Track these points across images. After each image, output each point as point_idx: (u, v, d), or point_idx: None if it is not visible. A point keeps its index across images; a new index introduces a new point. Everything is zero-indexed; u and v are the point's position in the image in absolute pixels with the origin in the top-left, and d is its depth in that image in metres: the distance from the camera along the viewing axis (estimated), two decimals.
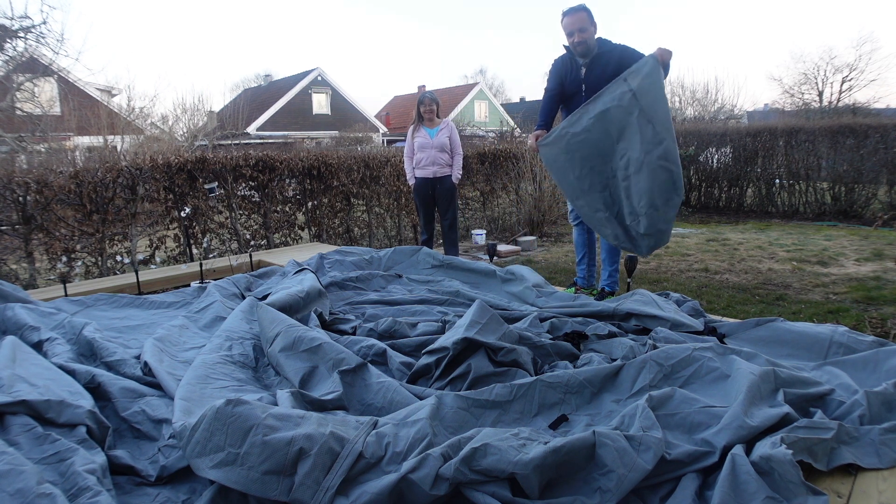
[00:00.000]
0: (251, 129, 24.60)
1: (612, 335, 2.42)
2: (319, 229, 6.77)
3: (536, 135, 3.62)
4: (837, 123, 9.75)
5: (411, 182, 5.29)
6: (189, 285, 3.59)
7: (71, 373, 2.00)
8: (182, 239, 5.60)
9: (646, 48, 3.38)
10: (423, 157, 5.14)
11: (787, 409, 1.59)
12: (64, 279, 4.58)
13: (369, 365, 2.02)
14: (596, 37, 3.60)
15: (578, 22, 3.50)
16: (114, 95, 17.08)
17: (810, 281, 5.07)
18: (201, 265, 4.33)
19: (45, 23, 10.45)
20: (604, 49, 3.56)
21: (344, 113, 28.48)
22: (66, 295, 3.38)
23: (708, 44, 68.44)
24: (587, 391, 1.86)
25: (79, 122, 13.65)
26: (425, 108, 5.14)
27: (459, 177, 5.28)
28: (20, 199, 4.65)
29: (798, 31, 62.18)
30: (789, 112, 23.91)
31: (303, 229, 6.75)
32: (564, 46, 3.69)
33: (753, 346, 2.27)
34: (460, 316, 2.48)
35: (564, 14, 3.56)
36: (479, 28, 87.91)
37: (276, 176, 6.29)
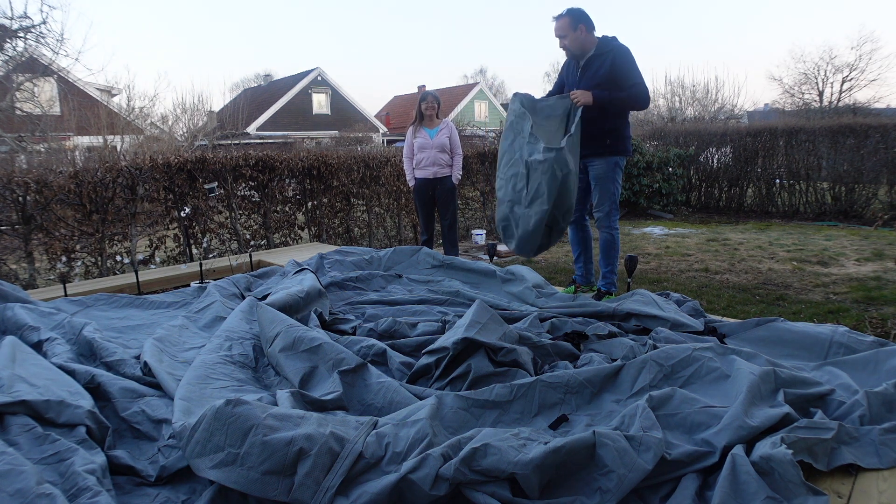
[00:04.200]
0: (251, 129, 24.60)
1: (612, 335, 2.42)
2: (319, 229, 6.77)
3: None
4: (838, 123, 9.75)
5: (411, 183, 5.28)
6: (189, 285, 3.59)
7: (71, 373, 2.00)
8: (182, 239, 5.60)
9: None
10: (423, 157, 5.13)
11: (787, 409, 1.59)
12: (64, 279, 4.58)
13: (369, 365, 2.02)
14: (599, 35, 3.58)
15: (559, 29, 3.54)
16: (113, 95, 17.08)
17: (810, 281, 5.07)
18: (201, 265, 4.33)
19: (44, 23, 10.45)
20: (601, 50, 3.52)
21: (344, 113, 28.48)
22: (66, 295, 3.38)
23: (708, 43, 68.46)
24: (587, 391, 1.86)
25: (78, 122, 13.64)
26: (427, 105, 5.11)
27: (459, 177, 5.28)
28: (20, 199, 4.65)
29: (798, 31, 62.22)
30: (789, 112, 23.90)
31: (303, 229, 6.75)
32: None
33: (754, 346, 2.27)
34: (460, 316, 2.48)
35: (552, 20, 3.60)
36: (479, 28, 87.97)
37: (275, 176, 6.29)
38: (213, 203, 5.83)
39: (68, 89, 13.31)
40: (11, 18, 10.13)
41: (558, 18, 3.55)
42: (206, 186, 5.53)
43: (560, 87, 3.78)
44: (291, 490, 1.33)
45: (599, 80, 3.44)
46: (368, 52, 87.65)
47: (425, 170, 5.15)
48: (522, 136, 3.20)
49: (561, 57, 3.94)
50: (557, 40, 3.61)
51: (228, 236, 6.03)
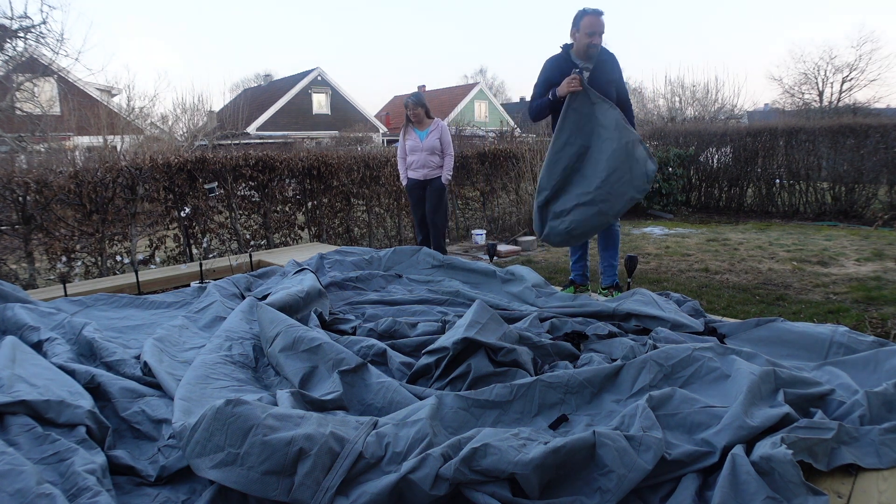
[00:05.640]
0: (251, 129, 24.59)
1: (612, 335, 2.42)
2: (319, 229, 6.77)
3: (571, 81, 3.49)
4: (838, 123, 9.74)
5: (404, 183, 5.34)
6: (189, 285, 3.58)
7: (71, 373, 2.00)
8: (182, 239, 5.60)
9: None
10: (413, 159, 5.20)
11: (787, 409, 1.59)
12: (64, 279, 4.57)
13: (369, 365, 2.01)
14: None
15: (601, 25, 3.51)
16: (113, 95, 17.08)
17: (810, 281, 5.07)
18: (201, 265, 4.33)
19: (44, 23, 10.45)
20: (603, 56, 3.61)
21: (344, 113, 28.47)
22: (66, 295, 3.38)
23: (708, 43, 68.44)
24: (587, 391, 1.86)
25: (78, 122, 13.63)
26: (409, 112, 5.19)
27: (449, 178, 5.28)
28: (20, 199, 4.65)
29: (798, 31, 62.22)
30: (789, 112, 23.91)
31: (303, 229, 6.75)
32: (562, 46, 3.68)
33: (754, 346, 2.27)
34: (460, 316, 2.48)
35: (587, 13, 3.50)
36: (479, 28, 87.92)
37: (276, 176, 6.29)
38: (213, 203, 5.83)
39: (68, 89, 13.30)
40: (11, 18, 10.14)
41: (598, 14, 3.51)
42: (206, 186, 5.53)
43: (548, 86, 3.67)
44: (291, 490, 1.33)
45: (606, 86, 3.55)
46: (368, 52, 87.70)
47: (416, 171, 5.21)
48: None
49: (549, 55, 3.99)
50: (587, 35, 3.52)
51: (228, 236, 6.02)
